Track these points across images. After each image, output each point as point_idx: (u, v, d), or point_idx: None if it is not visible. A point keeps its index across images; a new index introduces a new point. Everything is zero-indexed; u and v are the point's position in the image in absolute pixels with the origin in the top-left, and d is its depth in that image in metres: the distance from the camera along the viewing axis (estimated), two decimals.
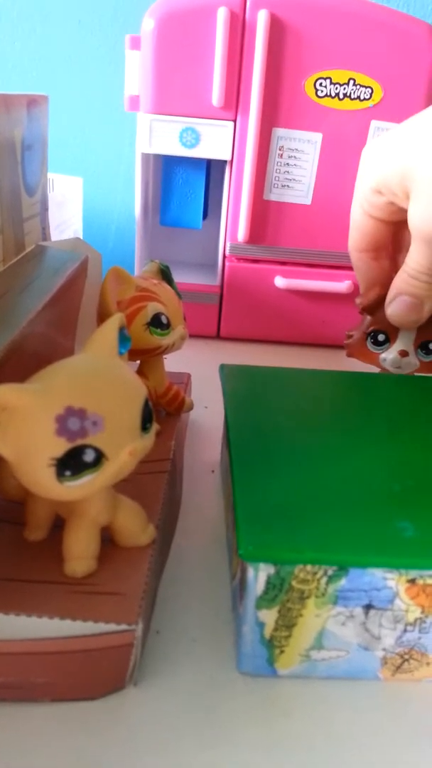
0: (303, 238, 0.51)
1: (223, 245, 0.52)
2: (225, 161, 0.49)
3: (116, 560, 0.24)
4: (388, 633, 0.22)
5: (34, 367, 0.22)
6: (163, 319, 0.31)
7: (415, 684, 0.24)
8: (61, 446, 0.20)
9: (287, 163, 0.49)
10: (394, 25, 0.46)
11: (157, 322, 0.31)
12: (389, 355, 0.38)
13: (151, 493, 0.27)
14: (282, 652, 0.23)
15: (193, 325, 0.51)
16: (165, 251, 0.59)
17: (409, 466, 0.26)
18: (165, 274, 0.34)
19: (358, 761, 0.21)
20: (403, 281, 0.36)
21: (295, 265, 0.52)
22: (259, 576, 0.21)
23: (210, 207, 0.55)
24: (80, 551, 0.23)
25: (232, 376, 0.33)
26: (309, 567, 0.21)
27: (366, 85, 0.47)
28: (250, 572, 0.21)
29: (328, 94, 0.47)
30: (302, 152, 0.48)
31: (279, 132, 0.48)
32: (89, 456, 0.20)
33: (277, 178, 0.49)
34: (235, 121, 0.47)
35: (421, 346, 0.38)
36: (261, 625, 0.22)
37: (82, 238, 0.48)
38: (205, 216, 0.54)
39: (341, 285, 0.52)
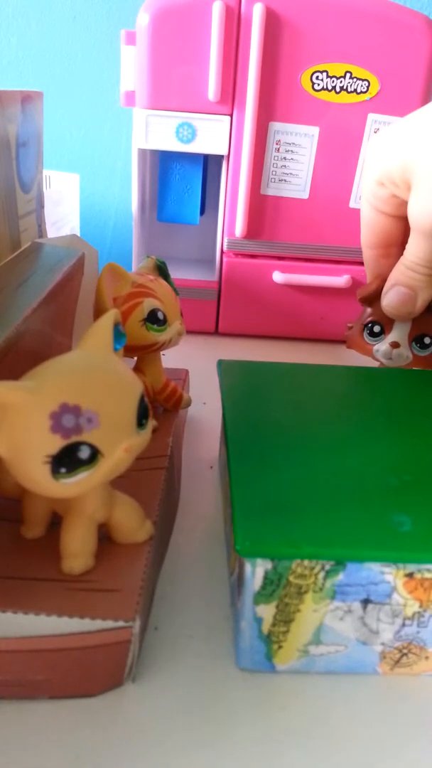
0: (301, 233, 0.51)
1: (221, 240, 0.52)
2: (222, 156, 0.49)
3: (114, 557, 0.24)
4: (386, 627, 0.22)
5: (30, 365, 0.22)
6: (160, 315, 0.31)
7: (413, 678, 0.24)
8: (56, 443, 0.20)
9: (284, 158, 0.49)
10: (390, 17, 0.45)
11: (154, 318, 0.31)
12: (381, 347, 0.38)
13: (149, 490, 0.27)
14: (280, 647, 0.23)
15: (191, 320, 0.51)
16: (162, 247, 0.59)
17: (407, 461, 0.26)
18: (162, 270, 0.34)
19: (358, 755, 0.21)
20: (400, 272, 0.36)
21: (293, 259, 0.52)
22: (256, 571, 0.21)
23: (207, 202, 0.55)
24: (77, 548, 0.23)
25: (229, 371, 0.33)
26: (306, 562, 0.21)
27: (363, 78, 0.46)
28: (248, 568, 0.21)
29: (325, 87, 0.47)
30: (299, 146, 0.48)
31: (276, 126, 0.48)
32: (84, 453, 0.20)
33: (274, 173, 0.49)
34: (231, 115, 0.47)
35: (416, 340, 0.38)
36: (259, 620, 0.22)
37: (79, 234, 0.48)
38: (202, 211, 0.54)
39: (340, 279, 0.52)
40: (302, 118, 0.47)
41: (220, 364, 0.34)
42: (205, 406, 0.41)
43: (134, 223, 0.53)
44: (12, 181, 0.35)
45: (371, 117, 0.47)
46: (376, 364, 0.39)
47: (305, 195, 0.50)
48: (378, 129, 0.48)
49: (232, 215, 0.50)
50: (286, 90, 0.47)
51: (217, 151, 0.48)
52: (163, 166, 0.51)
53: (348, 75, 0.46)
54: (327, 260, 0.52)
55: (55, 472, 0.20)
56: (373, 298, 0.38)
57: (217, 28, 0.44)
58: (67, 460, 0.20)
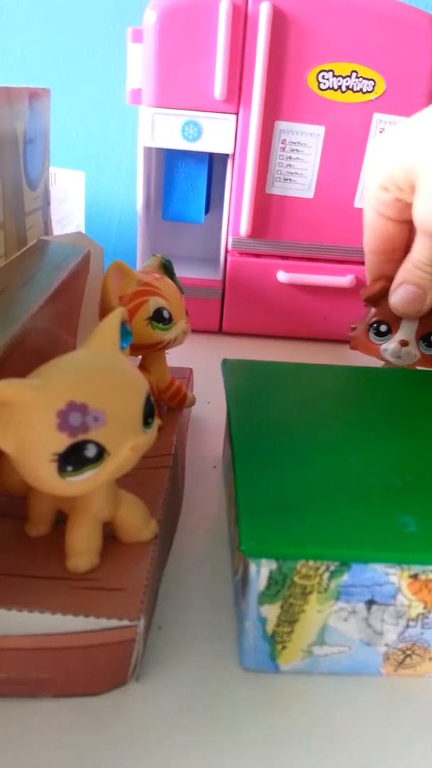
0: (305, 232, 0.51)
1: (225, 239, 0.52)
2: (227, 155, 0.49)
3: (118, 556, 0.24)
4: (390, 628, 0.22)
5: (36, 362, 0.22)
6: (165, 314, 0.31)
7: (417, 679, 0.24)
8: (62, 441, 0.20)
9: (289, 157, 0.49)
10: (396, 16, 0.45)
11: (159, 317, 0.31)
12: (390, 345, 0.38)
13: (153, 489, 0.27)
14: (284, 647, 0.23)
15: (195, 319, 0.51)
16: (167, 246, 0.59)
17: (411, 461, 0.26)
18: (167, 269, 0.34)
19: (361, 756, 0.21)
20: (407, 271, 0.36)
21: (298, 259, 0.52)
22: (261, 571, 0.21)
23: (212, 201, 0.55)
24: (82, 547, 0.23)
25: (234, 370, 0.33)
26: (311, 562, 0.21)
27: (368, 77, 0.46)
28: (252, 568, 0.21)
29: (331, 86, 0.46)
30: (305, 145, 0.48)
31: (281, 125, 0.48)
32: (91, 451, 0.20)
33: (279, 172, 0.49)
34: (237, 114, 0.47)
35: (424, 339, 0.38)
36: (263, 620, 0.22)
37: (84, 232, 0.48)
38: (207, 210, 0.54)
39: (344, 279, 0.52)
40: (308, 117, 0.47)
41: (225, 363, 0.34)
42: (209, 405, 0.41)
43: (139, 221, 0.53)
44: (19, 178, 0.35)
45: (377, 116, 0.47)
46: (380, 364, 0.39)
47: (310, 194, 0.50)
48: (383, 129, 0.48)
49: (237, 214, 0.50)
50: (292, 89, 0.46)
51: (223, 149, 0.48)
52: (169, 164, 0.51)
53: (354, 74, 0.46)
54: (331, 260, 0.52)
55: (62, 470, 0.20)
56: (378, 298, 0.38)
57: (223, 26, 0.44)
58: (73, 459, 0.20)
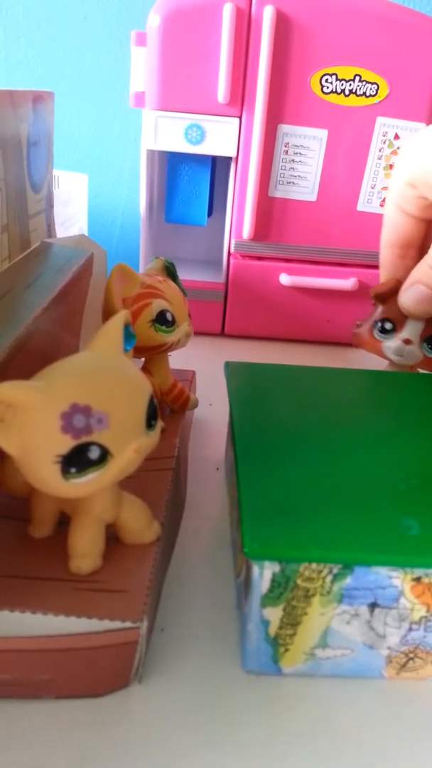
0: (308, 235, 0.51)
1: (228, 242, 0.52)
2: (230, 158, 0.49)
3: (121, 557, 0.24)
4: (393, 631, 0.22)
5: (39, 365, 0.22)
6: (168, 316, 0.31)
7: (419, 682, 0.24)
8: (66, 443, 0.20)
9: (293, 160, 0.49)
10: (399, 20, 0.45)
11: (162, 319, 0.31)
12: (393, 343, 0.38)
13: (156, 491, 0.27)
14: (287, 650, 0.23)
15: (198, 322, 0.51)
16: (170, 248, 0.59)
17: (415, 465, 0.26)
18: (170, 271, 0.34)
19: (363, 759, 0.21)
20: (422, 271, 0.36)
21: (300, 262, 0.52)
22: (264, 574, 0.21)
23: (215, 204, 0.55)
24: (85, 548, 0.23)
25: (236, 373, 0.33)
26: (314, 565, 0.21)
27: (372, 81, 0.46)
28: (255, 570, 0.21)
29: (334, 90, 0.47)
30: (308, 149, 0.48)
31: (284, 128, 0.48)
32: (94, 453, 0.20)
33: (282, 175, 0.49)
34: (240, 117, 0.47)
35: (428, 341, 0.38)
36: (266, 623, 0.22)
37: (87, 234, 0.48)
38: (210, 213, 0.54)
39: (346, 282, 0.52)
40: (311, 120, 0.47)
41: (228, 365, 0.34)
42: (212, 408, 0.41)
43: (142, 224, 0.53)
44: (23, 181, 0.35)
45: (380, 120, 0.47)
46: (382, 365, 0.39)
47: (313, 197, 0.50)
48: (387, 132, 0.48)
49: (240, 217, 0.50)
50: (296, 92, 0.47)
51: (226, 152, 0.48)
52: (172, 167, 0.51)
53: (357, 78, 0.46)
54: (334, 263, 0.52)
55: (65, 472, 0.20)
56: (387, 296, 0.38)
57: (227, 30, 0.44)
58: (77, 460, 0.20)
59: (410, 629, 0.22)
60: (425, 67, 0.46)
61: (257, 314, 0.54)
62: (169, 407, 0.35)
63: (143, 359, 0.34)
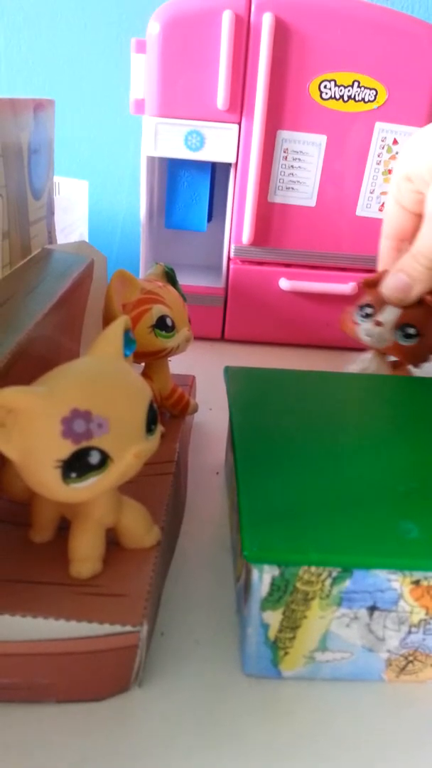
0: (307, 240, 0.51)
1: (228, 247, 0.52)
2: (230, 164, 0.49)
3: (121, 562, 0.24)
4: (392, 634, 0.22)
5: (40, 370, 0.22)
6: (168, 322, 0.31)
7: (419, 685, 0.24)
8: (66, 448, 0.20)
9: (292, 166, 0.49)
10: (398, 27, 0.46)
11: (162, 325, 0.31)
12: (366, 324, 0.39)
13: (156, 495, 0.28)
14: (286, 653, 0.23)
15: (198, 327, 0.51)
16: (170, 254, 0.60)
17: (414, 468, 0.26)
18: (170, 277, 0.34)
19: (363, 762, 0.21)
20: (405, 260, 0.38)
21: (300, 267, 0.52)
22: (263, 577, 0.21)
23: (215, 209, 0.55)
24: (85, 553, 0.23)
25: (236, 378, 0.33)
26: (313, 568, 0.21)
27: (370, 87, 0.47)
28: (255, 574, 0.21)
29: (333, 96, 0.47)
30: (307, 154, 0.49)
31: (283, 134, 0.48)
32: (95, 458, 0.20)
33: (281, 181, 0.49)
34: (239, 123, 0.48)
35: (401, 328, 0.39)
36: (265, 626, 0.22)
37: (87, 241, 0.48)
38: (209, 218, 0.54)
39: (345, 287, 0.52)
40: (310, 126, 0.48)
41: (227, 370, 0.34)
42: (211, 412, 0.42)
43: (142, 230, 0.54)
44: (24, 188, 0.35)
45: (378, 126, 0.48)
46: (356, 369, 0.40)
47: (312, 203, 0.50)
48: (386, 137, 0.48)
49: (240, 222, 0.51)
50: (294, 99, 0.47)
51: (225, 159, 0.49)
52: (172, 173, 0.52)
53: (356, 84, 0.47)
54: (333, 267, 0.52)
55: (66, 476, 0.20)
56: (374, 285, 0.40)
57: (226, 37, 0.44)
58: (77, 465, 0.20)
59: (409, 632, 0.22)
60: (423, 73, 0.46)
61: (257, 319, 0.54)
62: (169, 412, 0.35)
63: (143, 364, 0.34)
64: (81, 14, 0.65)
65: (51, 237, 0.42)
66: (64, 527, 0.24)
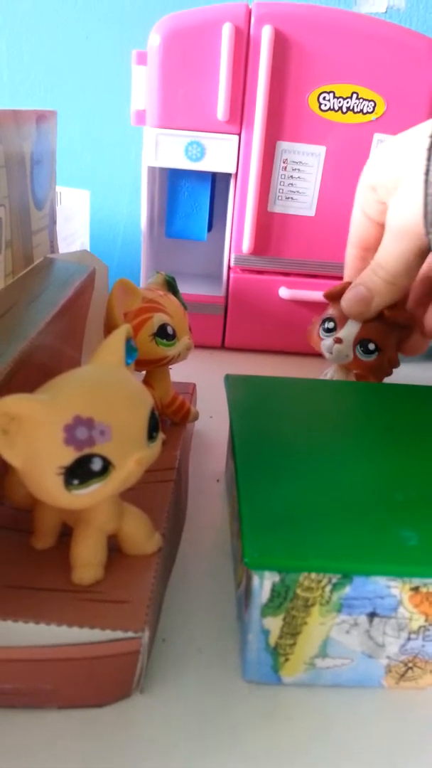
0: (307, 250, 0.52)
1: (228, 256, 0.52)
2: (230, 174, 0.50)
3: (123, 568, 0.24)
4: (392, 641, 0.23)
5: (42, 378, 0.22)
6: (169, 330, 0.32)
7: (419, 692, 0.24)
8: (69, 455, 0.20)
9: (291, 176, 0.49)
10: (396, 39, 0.46)
11: (163, 333, 0.32)
12: (327, 341, 0.39)
13: (157, 502, 0.28)
14: (287, 659, 0.23)
15: (199, 335, 0.51)
16: (170, 263, 0.60)
17: (413, 476, 0.26)
18: (171, 286, 0.35)
19: None
20: (365, 273, 0.38)
21: (299, 276, 0.53)
22: (264, 584, 0.21)
23: (215, 219, 0.56)
24: (87, 559, 0.23)
25: (236, 385, 0.33)
26: (314, 575, 0.21)
27: (369, 98, 0.47)
28: (256, 580, 0.21)
29: (332, 107, 0.47)
30: (306, 165, 0.49)
31: (283, 145, 0.48)
32: (97, 465, 0.20)
33: (281, 191, 0.50)
34: (239, 134, 0.48)
35: (362, 344, 0.39)
36: (266, 632, 0.22)
37: (89, 250, 0.49)
38: (210, 228, 0.55)
39: None
40: (309, 137, 0.48)
41: (228, 378, 0.34)
42: (212, 420, 0.42)
43: (143, 239, 0.54)
44: (26, 198, 0.35)
45: (377, 137, 0.48)
46: (329, 369, 0.41)
47: (312, 212, 0.51)
48: None
49: (240, 232, 0.51)
50: (294, 110, 0.47)
51: (226, 169, 0.49)
52: (172, 183, 0.52)
53: (354, 96, 0.47)
54: (332, 276, 0.53)
55: (68, 483, 0.20)
56: (336, 297, 0.40)
57: (226, 49, 0.45)
58: (79, 472, 0.20)
59: (409, 638, 0.23)
60: (421, 85, 0.47)
61: (257, 327, 0.54)
62: (170, 420, 0.35)
63: (144, 372, 0.34)
64: (83, 26, 0.66)
65: (53, 246, 0.43)
66: (66, 534, 0.24)
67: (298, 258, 0.52)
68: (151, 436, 0.22)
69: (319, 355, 0.55)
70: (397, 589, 0.22)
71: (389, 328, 0.39)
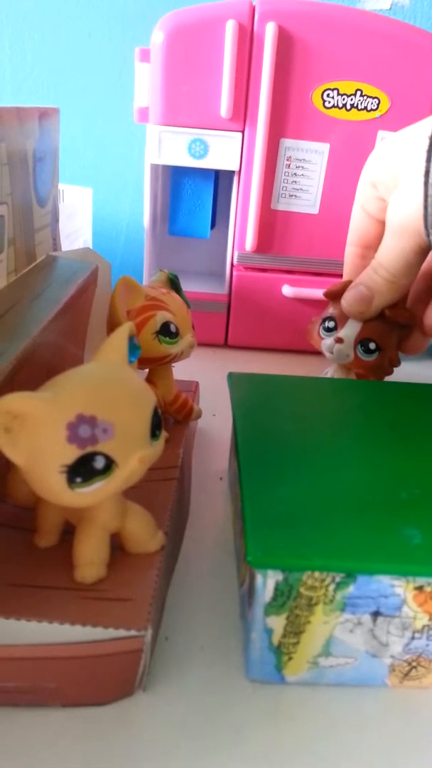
0: (310, 247, 0.52)
1: (231, 254, 0.52)
2: (233, 171, 0.50)
3: (126, 567, 0.24)
4: (395, 640, 0.23)
5: (44, 376, 0.22)
6: (172, 328, 0.32)
7: (422, 691, 0.24)
8: (71, 453, 0.20)
9: (295, 173, 0.49)
10: (400, 36, 0.46)
11: (166, 331, 0.31)
12: (328, 340, 0.39)
13: (160, 501, 0.28)
14: (290, 658, 0.23)
15: (202, 333, 0.51)
16: (173, 260, 0.60)
17: (416, 474, 0.26)
18: (174, 283, 0.34)
19: (366, 767, 0.21)
20: (365, 273, 0.38)
21: (303, 273, 0.53)
22: (267, 582, 0.21)
23: (218, 217, 0.56)
24: (90, 557, 0.23)
25: (239, 384, 0.33)
26: (317, 574, 0.21)
27: (373, 95, 0.47)
28: (259, 579, 0.21)
29: (336, 104, 0.47)
30: (309, 162, 0.49)
31: (286, 142, 0.48)
32: (99, 463, 0.20)
33: (284, 188, 0.50)
34: (243, 132, 0.48)
35: (362, 343, 0.38)
36: (269, 631, 0.22)
37: (91, 247, 0.49)
38: (213, 226, 0.55)
39: None
40: (313, 134, 0.48)
41: (231, 376, 0.34)
42: (215, 418, 0.42)
43: (146, 237, 0.54)
44: (29, 196, 0.35)
45: (381, 134, 0.48)
46: (329, 368, 0.41)
47: (315, 210, 0.50)
48: None
49: (243, 229, 0.51)
50: (298, 107, 0.47)
51: (229, 166, 0.49)
52: (175, 180, 0.52)
53: (359, 93, 0.47)
54: (336, 274, 0.52)
55: (71, 481, 0.20)
56: (336, 296, 0.40)
57: (230, 46, 0.45)
58: (82, 470, 0.20)
59: (413, 638, 0.23)
60: (425, 82, 0.47)
61: (260, 325, 0.54)
62: (173, 418, 0.35)
63: (147, 370, 0.34)
64: (85, 23, 0.66)
65: (56, 244, 0.43)
66: (69, 532, 0.24)
67: (301, 256, 0.52)
68: (154, 434, 0.22)
69: (322, 354, 0.55)
70: (401, 588, 0.21)
71: (390, 327, 0.39)
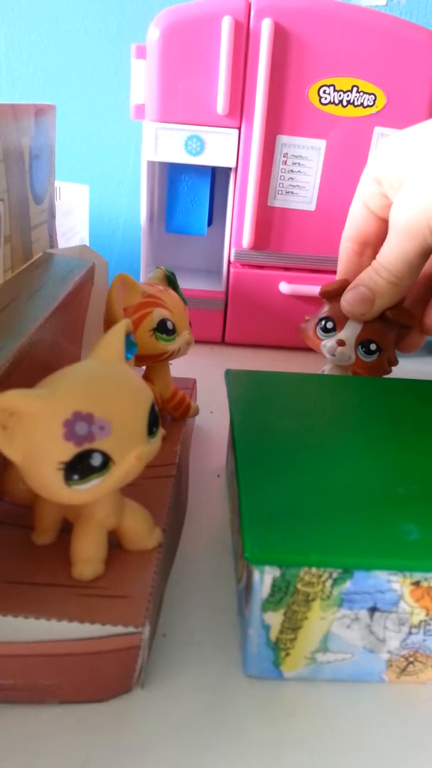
0: (307, 244, 0.52)
1: (228, 251, 0.52)
2: (230, 168, 0.50)
3: (123, 564, 0.24)
4: (393, 635, 0.23)
5: (41, 373, 0.22)
6: (169, 325, 0.32)
7: (420, 686, 0.24)
8: (68, 450, 0.20)
9: (291, 170, 0.49)
10: (396, 32, 0.46)
11: (163, 328, 0.31)
12: (328, 342, 0.39)
13: (158, 498, 0.28)
14: (288, 654, 0.23)
15: (199, 330, 0.51)
16: (170, 258, 0.60)
17: (414, 470, 0.26)
18: (171, 281, 0.34)
19: (364, 763, 0.21)
20: (366, 274, 0.38)
21: (300, 270, 0.53)
22: (264, 579, 0.21)
23: (215, 214, 0.56)
24: (88, 554, 0.23)
25: (237, 381, 0.33)
26: (314, 569, 0.21)
27: (369, 92, 0.47)
28: (256, 575, 0.21)
29: (332, 101, 0.47)
30: (306, 159, 0.49)
31: (283, 139, 0.48)
32: (96, 460, 0.20)
33: (281, 185, 0.50)
34: (239, 128, 0.48)
35: (363, 344, 0.38)
36: (267, 627, 0.22)
37: (88, 245, 0.48)
38: (209, 223, 0.54)
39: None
40: (309, 131, 0.48)
41: (228, 373, 0.34)
42: (212, 415, 0.42)
43: (143, 234, 0.54)
44: (25, 193, 0.35)
45: (377, 130, 0.48)
46: (326, 366, 0.40)
47: (312, 207, 0.50)
48: None
49: (240, 226, 0.51)
50: (294, 104, 0.47)
51: (225, 163, 0.49)
52: (172, 177, 0.52)
53: (355, 89, 0.47)
54: (333, 271, 0.52)
55: (68, 478, 0.20)
56: (333, 295, 0.39)
57: (226, 42, 0.45)
58: (79, 467, 0.20)
59: (410, 633, 0.23)
60: (422, 78, 0.47)
61: (257, 322, 0.54)
62: (170, 415, 0.35)
63: (144, 367, 0.34)
64: (81, 20, 0.66)
65: (52, 241, 0.42)
66: (66, 529, 0.24)
67: (298, 253, 0.52)
68: (151, 431, 0.22)
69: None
70: (398, 583, 0.22)
71: (389, 327, 0.39)
